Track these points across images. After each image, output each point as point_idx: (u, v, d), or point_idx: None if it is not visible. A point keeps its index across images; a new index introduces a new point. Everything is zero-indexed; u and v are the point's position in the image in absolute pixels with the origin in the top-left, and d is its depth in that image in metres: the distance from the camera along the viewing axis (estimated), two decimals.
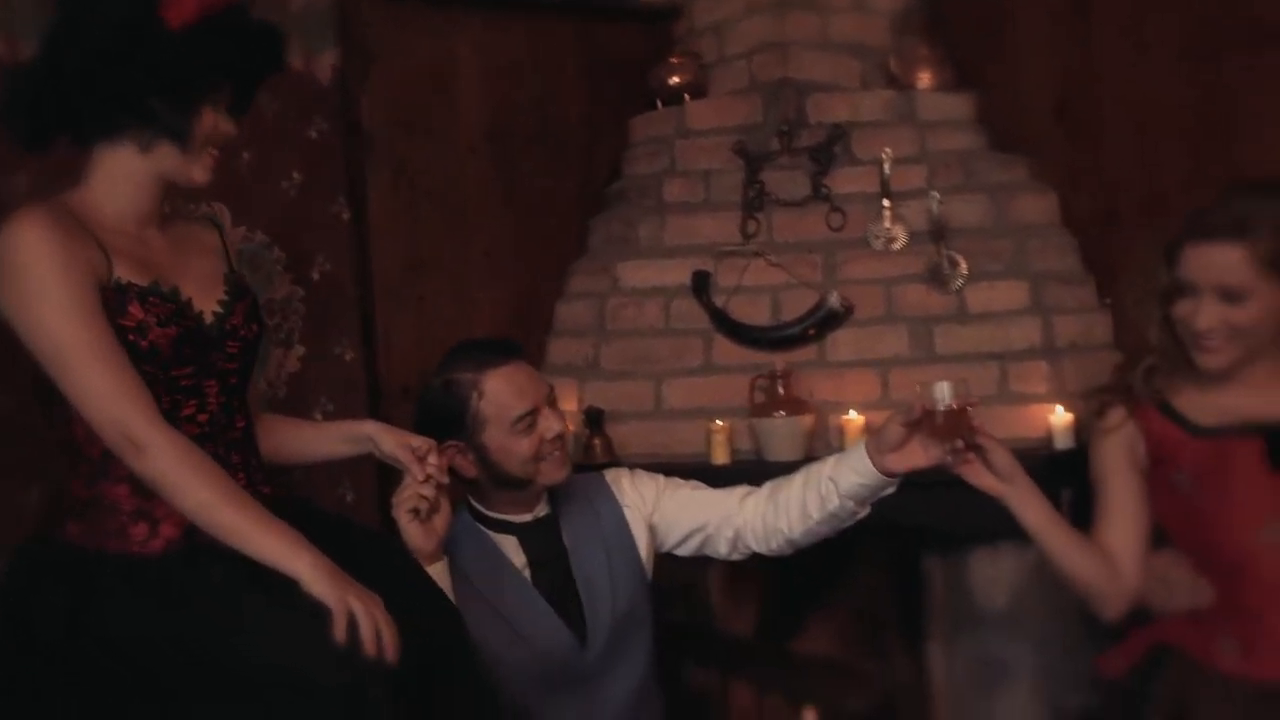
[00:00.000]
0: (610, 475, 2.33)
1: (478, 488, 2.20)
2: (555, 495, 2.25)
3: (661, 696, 2.33)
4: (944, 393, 1.95)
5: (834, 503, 2.11)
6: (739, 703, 2.71)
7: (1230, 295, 1.95)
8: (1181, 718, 1.95)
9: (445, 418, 2.14)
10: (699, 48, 3.37)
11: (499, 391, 2.13)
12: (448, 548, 2.03)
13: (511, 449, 2.13)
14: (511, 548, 2.19)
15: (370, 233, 3.09)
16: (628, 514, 2.28)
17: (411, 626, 1.63)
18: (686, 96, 3.29)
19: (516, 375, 2.16)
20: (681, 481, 2.33)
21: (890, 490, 2.10)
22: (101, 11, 1.73)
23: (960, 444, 1.98)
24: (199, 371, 1.77)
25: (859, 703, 2.33)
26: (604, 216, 3.33)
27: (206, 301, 1.81)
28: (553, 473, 2.16)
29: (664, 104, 3.32)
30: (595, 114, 3.44)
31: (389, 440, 1.98)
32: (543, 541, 2.21)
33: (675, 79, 3.30)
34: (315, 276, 2.99)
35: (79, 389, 1.64)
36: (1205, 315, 1.96)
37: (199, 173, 1.80)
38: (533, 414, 2.13)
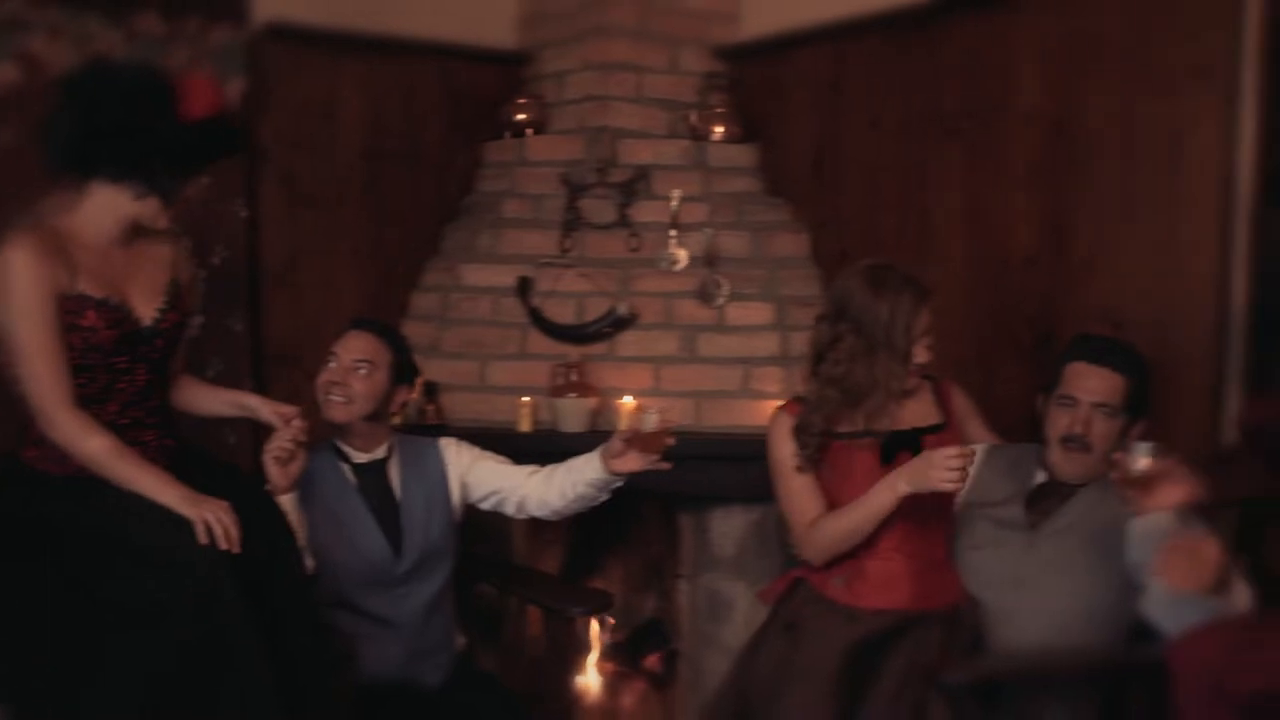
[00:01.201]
0: (443, 441, 3.07)
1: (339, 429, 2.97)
2: (399, 447, 3.00)
3: (454, 603, 3.08)
4: (650, 420, 2.73)
5: (580, 488, 2.89)
6: (512, 610, 3.48)
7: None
8: (795, 625, 2.76)
9: None
10: (542, 91, 4.10)
11: (338, 340, 2.94)
12: (312, 472, 2.80)
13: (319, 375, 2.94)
14: (351, 476, 2.94)
15: (260, 229, 3.78)
16: (449, 470, 3.02)
17: (254, 532, 2.39)
18: (529, 131, 4.02)
19: (348, 336, 2.95)
20: (492, 455, 3.07)
21: (619, 483, 2.87)
22: (126, 89, 2.40)
23: (656, 457, 2.75)
24: (132, 359, 2.49)
25: (585, 611, 3.11)
26: (454, 225, 4.06)
27: (147, 309, 2.50)
28: (328, 410, 2.90)
29: (511, 135, 4.05)
30: (453, 139, 4.12)
31: (265, 410, 2.73)
32: (372, 476, 2.95)
33: (520, 116, 4.04)
34: (215, 261, 3.68)
35: (22, 372, 2.38)
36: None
37: (165, 221, 2.49)
38: (331, 357, 2.91)
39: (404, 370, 2.98)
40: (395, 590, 2.93)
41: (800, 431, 2.80)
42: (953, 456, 2.56)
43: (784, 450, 2.83)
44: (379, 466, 2.97)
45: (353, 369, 2.89)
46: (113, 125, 2.37)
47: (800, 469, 2.79)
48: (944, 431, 2.82)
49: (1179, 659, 2.24)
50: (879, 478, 2.74)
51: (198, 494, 2.38)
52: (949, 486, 2.56)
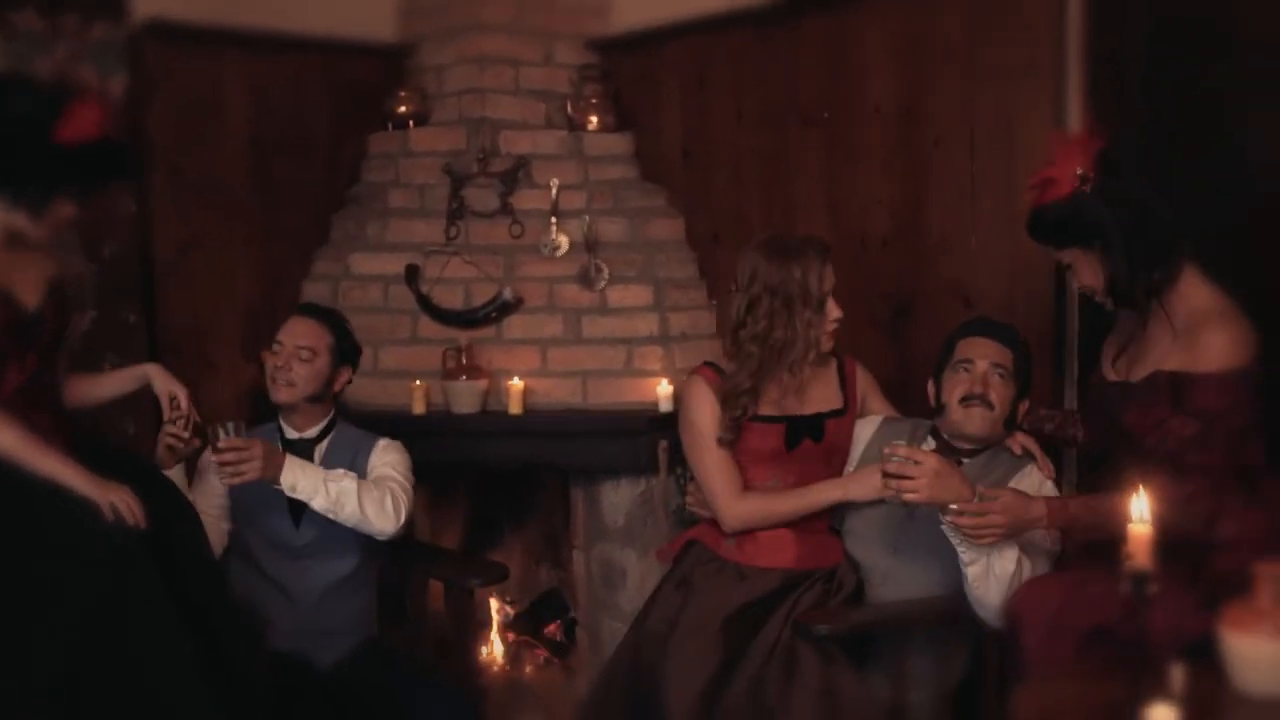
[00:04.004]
0: (382, 439, 3.20)
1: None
2: (339, 432, 3.17)
3: (371, 599, 3.22)
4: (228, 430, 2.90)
5: None
6: (414, 585, 3.64)
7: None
8: (689, 581, 2.98)
9: None
10: (423, 83, 4.23)
11: (283, 326, 3.15)
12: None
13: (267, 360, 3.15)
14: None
15: (152, 221, 3.87)
16: (373, 459, 3.16)
17: (156, 510, 2.57)
18: (411, 123, 4.15)
19: (291, 322, 3.16)
20: (392, 460, 3.16)
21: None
22: (10, 109, 2.57)
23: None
24: (21, 344, 2.63)
25: (481, 583, 3.32)
26: (342, 214, 4.19)
27: (31, 297, 2.66)
28: (273, 391, 3.11)
29: (394, 127, 4.18)
30: (339, 130, 4.25)
31: (160, 380, 2.92)
32: (296, 452, 3.07)
33: (403, 108, 4.17)
34: (106, 255, 3.76)
35: None
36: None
37: (40, 232, 2.63)
38: (277, 345, 3.11)
39: (345, 352, 3.16)
40: (297, 562, 3.09)
41: (731, 395, 2.95)
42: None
43: (705, 418, 2.97)
44: (307, 445, 3.14)
45: (295, 354, 3.08)
46: None
47: (722, 441, 2.95)
48: (844, 416, 3.07)
49: (1021, 603, 2.54)
50: (783, 459, 2.99)
51: (100, 479, 2.54)
52: (890, 493, 2.75)
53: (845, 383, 3.11)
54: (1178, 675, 1.91)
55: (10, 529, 2.51)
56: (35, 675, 2.42)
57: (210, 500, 3.08)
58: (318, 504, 2.97)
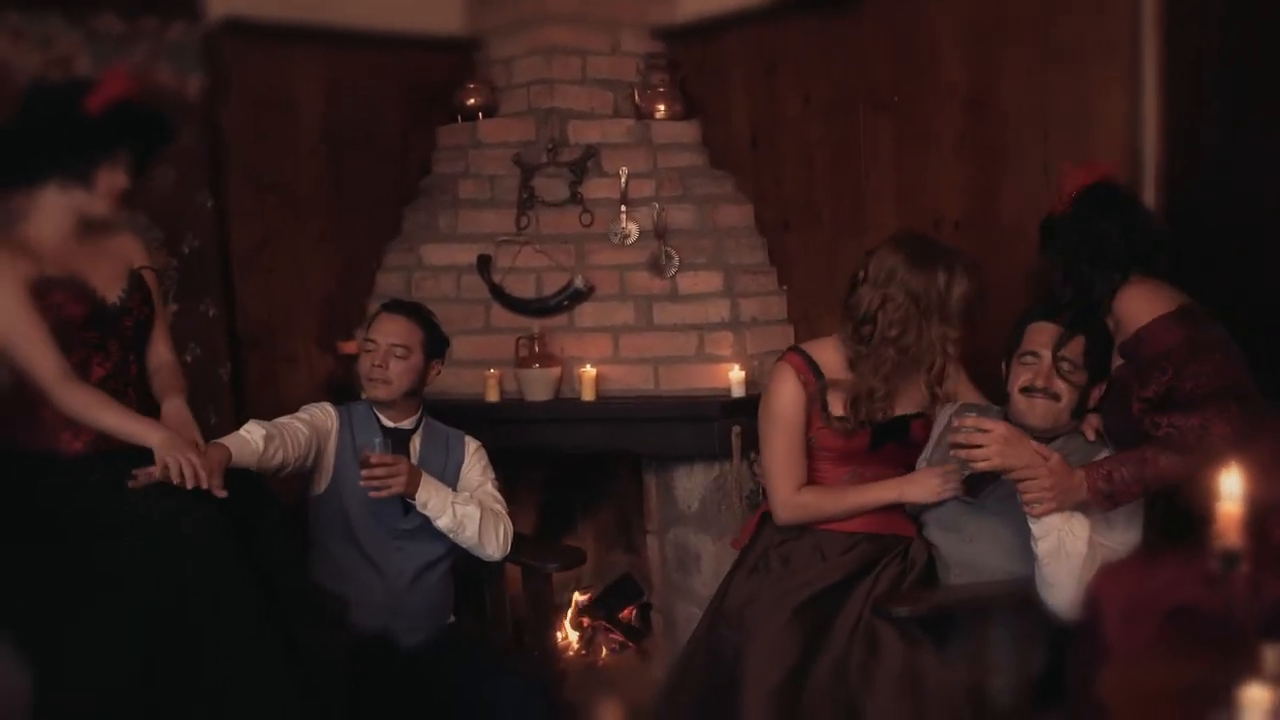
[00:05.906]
0: (470, 440, 3.29)
1: None
2: (426, 426, 3.25)
3: (451, 588, 3.29)
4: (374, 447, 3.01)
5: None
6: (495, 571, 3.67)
7: None
8: (764, 565, 2.97)
9: None
10: (491, 76, 4.28)
11: (371, 324, 3.24)
12: (353, 418, 3.17)
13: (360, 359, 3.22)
14: (378, 437, 3.15)
15: (229, 217, 3.96)
16: (464, 464, 3.26)
17: (234, 495, 2.62)
18: (480, 115, 4.20)
19: (382, 320, 3.22)
20: (490, 477, 3.28)
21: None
22: (51, 99, 2.73)
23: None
24: (103, 334, 2.73)
25: (559, 567, 3.36)
26: (414, 206, 4.24)
27: (112, 290, 2.76)
28: (370, 388, 3.18)
29: (463, 119, 4.23)
30: (410, 123, 4.31)
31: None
32: (395, 442, 3.16)
33: (472, 100, 4.22)
34: (186, 250, 3.84)
35: (11, 353, 2.63)
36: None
37: (99, 206, 2.73)
38: (370, 344, 3.17)
39: (435, 345, 3.22)
40: (394, 542, 3.15)
41: (864, 398, 2.93)
42: (951, 472, 2.84)
43: (783, 405, 2.98)
44: (405, 435, 3.22)
45: (390, 352, 3.14)
46: (33, 133, 2.66)
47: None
48: (928, 416, 3.05)
49: (1100, 587, 2.54)
50: (863, 459, 3.00)
51: (178, 438, 2.64)
52: (950, 489, 2.83)
53: (935, 383, 3.02)
54: (1271, 655, 1.91)
55: (94, 514, 2.57)
56: (117, 656, 2.47)
57: (295, 437, 3.08)
58: (442, 523, 3.09)
